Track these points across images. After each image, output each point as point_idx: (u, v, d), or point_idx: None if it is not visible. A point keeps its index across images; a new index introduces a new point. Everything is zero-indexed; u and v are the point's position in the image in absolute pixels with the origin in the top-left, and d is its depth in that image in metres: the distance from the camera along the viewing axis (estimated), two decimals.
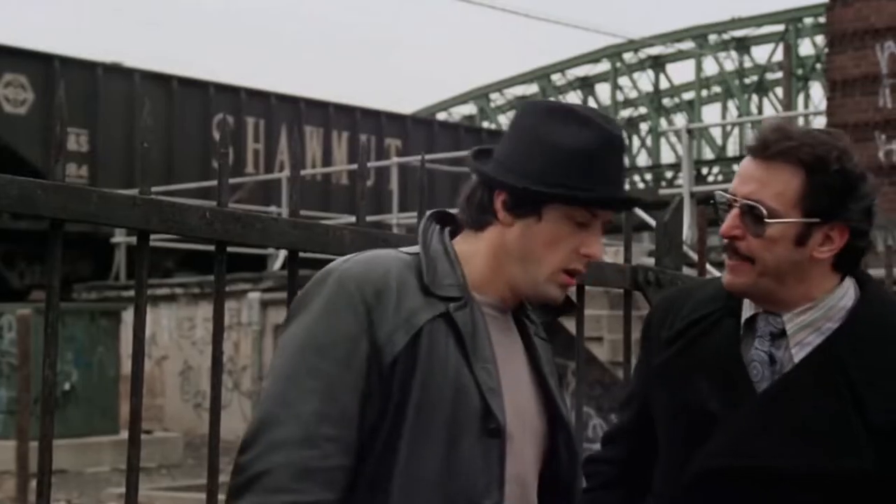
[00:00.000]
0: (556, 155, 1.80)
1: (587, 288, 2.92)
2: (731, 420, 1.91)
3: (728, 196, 1.94)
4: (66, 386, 11.78)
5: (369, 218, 3.66)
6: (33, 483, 2.12)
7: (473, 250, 1.84)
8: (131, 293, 2.19)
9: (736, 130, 33.46)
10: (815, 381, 1.88)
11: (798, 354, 1.92)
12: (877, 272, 4.18)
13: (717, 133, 34.20)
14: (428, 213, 1.90)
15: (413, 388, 1.72)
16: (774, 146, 1.91)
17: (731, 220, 1.93)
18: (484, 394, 1.74)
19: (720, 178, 28.96)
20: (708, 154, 32.93)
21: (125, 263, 15.01)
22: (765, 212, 1.89)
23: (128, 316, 11.57)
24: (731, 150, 32.70)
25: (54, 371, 2.03)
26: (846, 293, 1.95)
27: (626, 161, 1.88)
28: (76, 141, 15.56)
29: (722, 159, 32.06)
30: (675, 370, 2.00)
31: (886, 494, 1.86)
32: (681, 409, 1.98)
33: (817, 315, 1.93)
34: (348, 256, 1.82)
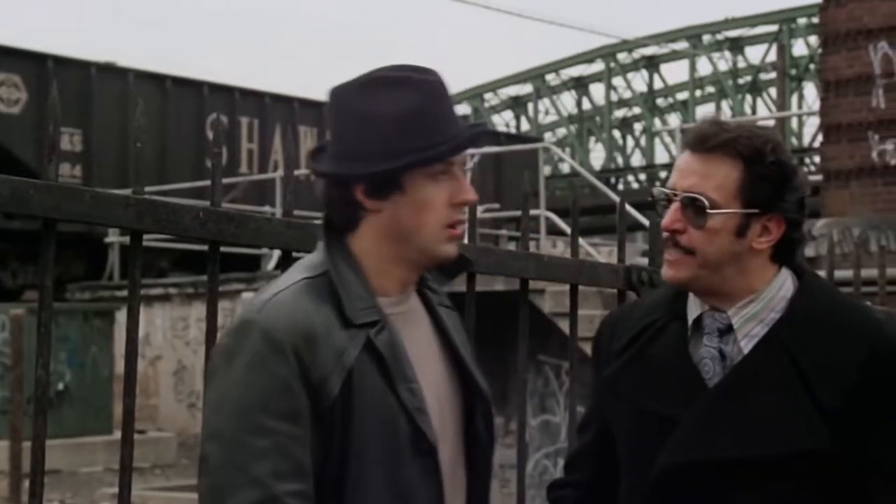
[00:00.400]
0: (390, 125, 1.77)
1: (581, 288, 2.92)
2: (684, 418, 1.93)
3: (668, 191, 1.97)
4: (60, 386, 11.77)
5: None
6: (27, 483, 2.12)
7: (361, 252, 1.82)
8: (125, 293, 2.19)
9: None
10: (763, 371, 1.91)
11: (746, 347, 1.95)
12: (869, 272, 4.18)
13: None
14: (321, 221, 1.86)
15: (352, 428, 1.71)
16: (713, 139, 1.95)
17: (672, 213, 1.96)
18: (412, 416, 1.74)
19: None
20: None
21: (119, 263, 14.97)
22: (707, 203, 1.93)
23: (121, 316, 11.55)
24: None
25: (47, 371, 2.02)
26: (784, 283, 1.99)
27: (452, 98, 1.86)
28: (70, 141, 15.52)
29: None
30: (627, 380, 2.03)
31: (844, 473, 1.88)
32: (637, 417, 1.99)
33: (760, 306, 1.96)
34: (260, 302, 1.75)
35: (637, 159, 36.18)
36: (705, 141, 1.96)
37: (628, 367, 2.03)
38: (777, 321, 1.95)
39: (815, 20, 19.33)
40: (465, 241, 2.80)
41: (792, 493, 1.88)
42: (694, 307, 2.00)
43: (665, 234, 1.98)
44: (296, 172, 2.43)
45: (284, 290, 1.77)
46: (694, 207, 1.94)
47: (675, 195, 1.96)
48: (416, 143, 1.77)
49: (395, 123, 1.77)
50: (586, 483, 2.13)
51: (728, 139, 1.94)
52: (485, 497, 1.89)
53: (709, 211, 1.93)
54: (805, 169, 26.41)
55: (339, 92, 1.83)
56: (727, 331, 1.97)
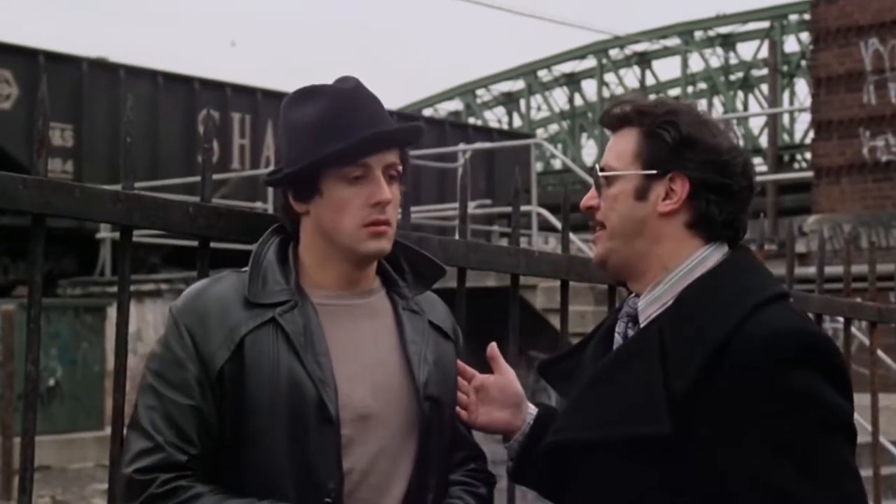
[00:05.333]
0: (301, 133, 1.97)
1: (572, 284, 2.92)
2: (567, 401, 1.96)
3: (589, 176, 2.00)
4: (51, 382, 11.75)
5: None
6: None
7: (303, 251, 2.02)
8: (116, 289, 2.21)
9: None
10: (635, 354, 1.87)
11: None
12: (860, 268, 4.19)
13: None
14: (270, 229, 2.06)
15: (245, 392, 1.90)
16: (608, 114, 1.97)
17: (590, 192, 1.98)
18: (317, 385, 1.90)
19: None
20: None
21: (110, 259, 14.95)
22: (604, 170, 1.95)
23: (113, 312, 11.52)
24: None
25: (37, 367, 2.02)
26: (702, 263, 1.90)
27: (373, 104, 1.98)
28: (61, 136, 15.47)
29: None
30: (555, 370, 2.08)
31: (686, 461, 1.78)
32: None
33: (664, 289, 1.90)
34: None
35: None
36: (604, 118, 1.99)
37: (563, 359, 2.08)
38: (669, 305, 1.88)
39: (807, 17, 19.36)
40: (456, 236, 2.81)
41: (640, 476, 1.82)
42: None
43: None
44: None
45: (212, 278, 2.01)
46: (600, 180, 1.96)
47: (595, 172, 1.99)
48: (323, 147, 1.93)
49: (306, 130, 1.96)
50: None
51: (621, 110, 1.96)
52: (426, 471, 2.00)
53: (600, 174, 1.94)
54: (796, 165, 26.44)
55: (281, 107, 2.04)
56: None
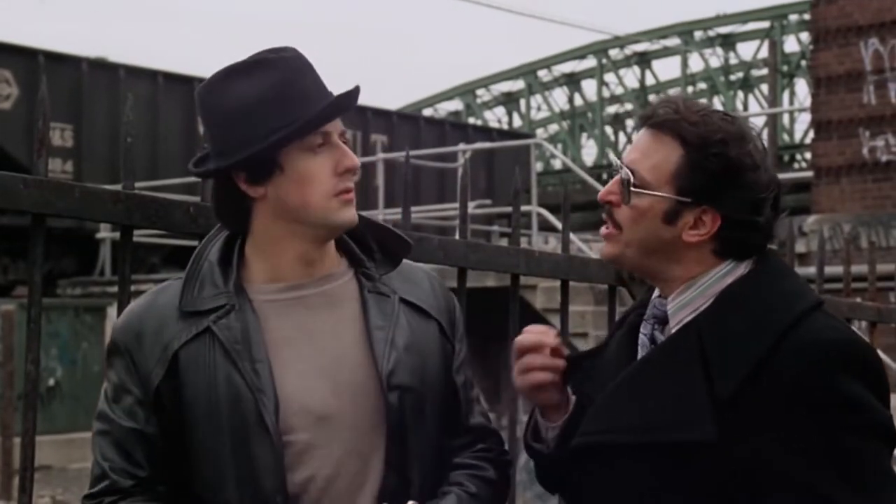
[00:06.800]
0: (254, 108, 1.82)
1: (571, 284, 2.92)
2: (595, 402, 1.89)
3: (617, 161, 1.92)
4: (51, 382, 11.76)
5: None
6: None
7: (252, 248, 1.90)
8: (116, 289, 2.22)
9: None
10: (672, 356, 1.83)
11: None
12: (859, 268, 4.20)
13: None
14: (218, 225, 1.96)
15: (185, 408, 1.83)
16: (658, 116, 1.88)
17: (610, 185, 1.91)
18: (255, 395, 1.81)
19: None
20: None
21: (110, 259, 14.96)
22: (634, 180, 1.86)
23: (113, 312, 11.53)
24: None
25: (37, 367, 2.03)
26: (731, 271, 1.87)
27: (314, 70, 1.87)
28: (61, 136, 15.48)
29: None
30: (578, 368, 2.01)
31: (727, 466, 1.76)
32: (578, 403, 1.99)
33: (694, 294, 1.87)
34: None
35: None
36: (650, 117, 1.90)
37: (586, 356, 2.02)
38: (704, 309, 1.85)
39: (807, 17, 19.36)
40: (456, 236, 2.81)
41: (666, 479, 1.79)
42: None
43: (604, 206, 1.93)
44: None
45: (156, 289, 1.95)
46: (628, 182, 1.87)
47: (620, 167, 1.90)
48: (282, 120, 1.81)
49: (258, 106, 1.82)
50: None
51: (672, 119, 1.86)
52: (404, 466, 1.89)
53: (632, 189, 1.86)
54: (796, 165, 26.45)
55: (202, 92, 1.89)
56: (666, 319, 1.90)
